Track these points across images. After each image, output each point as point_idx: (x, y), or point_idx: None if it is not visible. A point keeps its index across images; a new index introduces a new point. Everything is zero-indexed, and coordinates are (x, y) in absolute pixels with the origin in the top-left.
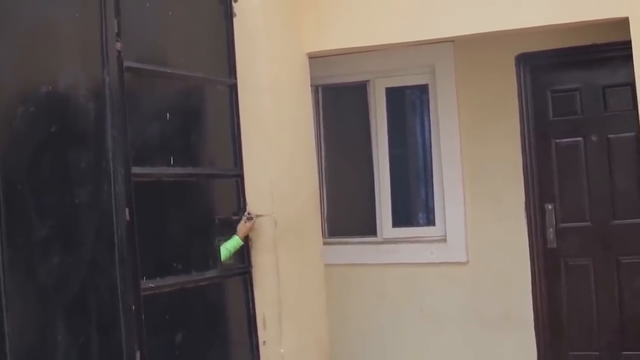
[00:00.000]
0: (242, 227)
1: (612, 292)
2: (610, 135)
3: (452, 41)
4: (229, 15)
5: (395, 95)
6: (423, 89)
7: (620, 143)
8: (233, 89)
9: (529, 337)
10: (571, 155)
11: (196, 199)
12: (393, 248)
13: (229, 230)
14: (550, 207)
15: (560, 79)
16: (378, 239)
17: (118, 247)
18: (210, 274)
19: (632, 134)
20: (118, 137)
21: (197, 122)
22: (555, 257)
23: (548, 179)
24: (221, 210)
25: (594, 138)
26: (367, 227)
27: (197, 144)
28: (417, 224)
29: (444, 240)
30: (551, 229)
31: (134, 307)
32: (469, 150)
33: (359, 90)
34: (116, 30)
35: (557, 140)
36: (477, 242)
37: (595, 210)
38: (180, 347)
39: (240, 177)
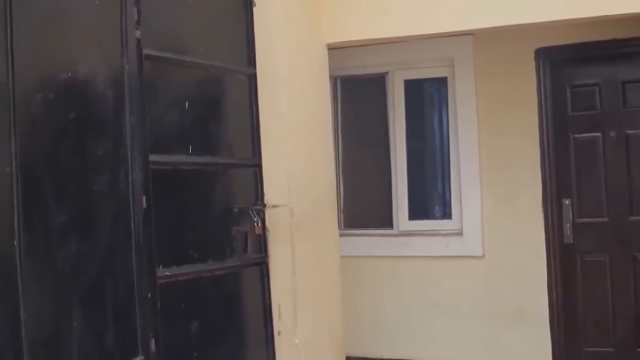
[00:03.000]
0: None
1: (627, 288)
2: (629, 131)
3: (472, 34)
4: (248, 4)
5: (413, 88)
6: (442, 82)
7: (639, 139)
8: (252, 78)
9: (544, 332)
10: (589, 150)
11: (214, 188)
12: (409, 241)
13: (247, 220)
14: (567, 202)
15: (579, 73)
16: (394, 231)
17: (135, 234)
18: (227, 263)
19: None
20: (136, 124)
21: (216, 111)
22: (571, 252)
23: (566, 174)
24: (239, 200)
25: (612, 134)
26: (383, 220)
27: (215, 133)
28: (434, 217)
29: (460, 233)
30: (568, 224)
31: (149, 295)
32: (487, 143)
33: (378, 82)
34: (136, 18)
35: (576, 135)
36: (493, 236)
37: (612, 206)
38: (196, 335)
39: (258, 167)
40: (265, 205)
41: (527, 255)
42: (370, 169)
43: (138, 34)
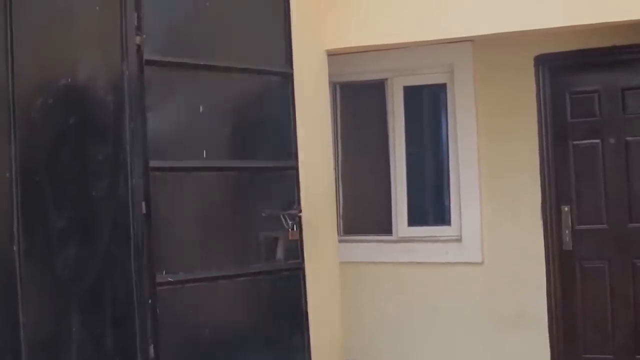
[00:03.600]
0: None
1: (627, 295)
2: (628, 138)
3: (471, 41)
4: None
5: (413, 94)
6: (441, 88)
7: (639, 146)
8: (289, 78)
9: (543, 338)
10: (589, 157)
11: (240, 192)
12: (408, 247)
13: (278, 224)
14: (566, 208)
15: (579, 80)
16: (393, 237)
17: (134, 240)
18: (252, 269)
19: None
20: (136, 130)
21: (244, 113)
22: (570, 259)
23: (565, 180)
24: (270, 204)
25: (612, 140)
26: (382, 226)
27: (243, 136)
28: (433, 224)
29: (459, 240)
30: (567, 231)
31: (149, 301)
32: (486, 150)
33: (377, 88)
34: (136, 24)
35: (575, 142)
36: (493, 242)
37: (611, 213)
38: (211, 342)
39: (295, 169)
40: (300, 210)
41: (527, 261)
42: (370, 175)
43: (138, 39)
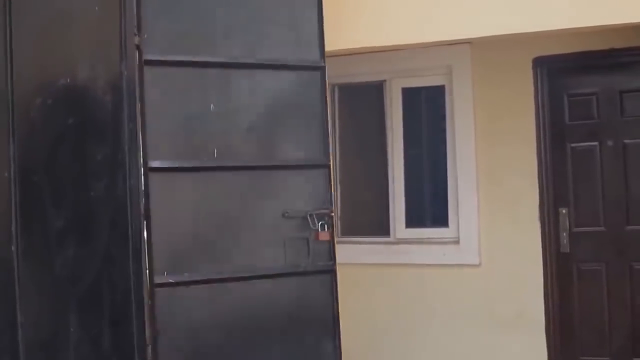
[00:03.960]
0: None
1: (624, 297)
2: (626, 141)
3: (470, 43)
4: None
5: (411, 96)
6: (439, 90)
7: (637, 148)
8: (321, 71)
9: (540, 340)
10: (586, 159)
11: (258, 192)
12: (406, 249)
13: (303, 225)
14: (564, 211)
15: (577, 83)
16: (391, 239)
17: (132, 240)
18: (275, 270)
19: None
20: (134, 130)
21: (262, 110)
22: (568, 261)
23: (563, 183)
24: (297, 203)
25: (610, 143)
26: (380, 227)
27: (259, 133)
28: (430, 225)
29: (456, 242)
30: (564, 233)
31: (149, 302)
32: (484, 152)
33: (376, 90)
34: (135, 24)
35: (573, 145)
36: (490, 244)
37: (609, 216)
38: (222, 347)
39: (327, 167)
40: (332, 210)
41: (524, 264)
42: (367, 176)
43: (137, 40)
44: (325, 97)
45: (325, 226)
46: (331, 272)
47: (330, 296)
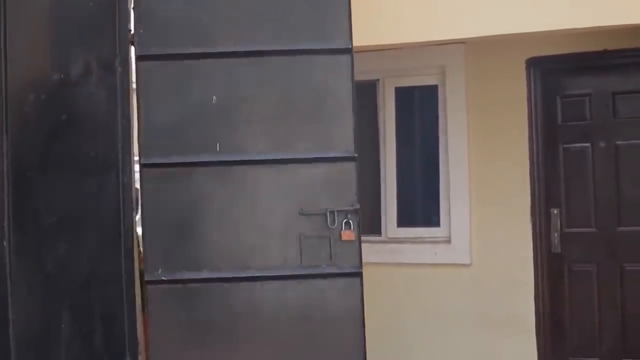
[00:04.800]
0: None
1: (615, 298)
2: (618, 142)
3: (463, 43)
4: None
5: (404, 95)
6: (432, 90)
7: (629, 150)
8: (347, 54)
9: (531, 340)
10: (579, 160)
11: (270, 188)
12: (397, 248)
13: (322, 224)
14: (555, 211)
15: (570, 84)
16: (383, 238)
17: (124, 237)
18: (287, 271)
19: None
20: (128, 127)
21: (280, 99)
22: (559, 262)
23: (555, 183)
24: (312, 201)
25: (602, 144)
26: (372, 226)
27: (282, 124)
28: (422, 225)
29: (448, 241)
30: (556, 234)
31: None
32: (476, 152)
33: (369, 89)
34: (130, 21)
35: (565, 145)
36: (482, 244)
37: (600, 217)
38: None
39: (354, 160)
40: (358, 207)
41: (515, 264)
42: (359, 175)
43: (131, 36)
44: (353, 84)
45: (351, 224)
46: (358, 275)
47: (358, 301)
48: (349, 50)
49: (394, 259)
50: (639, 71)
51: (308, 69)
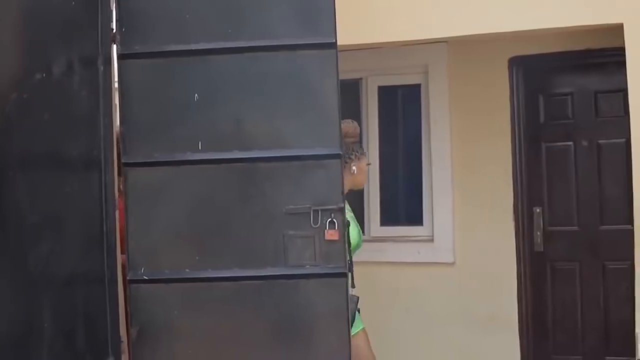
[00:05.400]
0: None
1: (597, 297)
2: (600, 141)
3: (446, 42)
4: None
5: (387, 94)
6: (416, 89)
7: (611, 149)
8: (330, 48)
9: (514, 339)
10: (561, 159)
11: (251, 186)
12: (380, 247)
13: (302, 223)
14: (538, 210)
15: (552, 83)
16: (366, 237)
17: (107, 236)
18: (265, 272)
19: (623, 140)
20: (110, 126)
21: (259, 96)
22: (541, 260)
23: (537, 182)
24: (294, 200)
25: (584, 143)
26: None
27: (250, 122)
28: (405, 223)
29: (431, 240)
30: (539, 233)
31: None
32: (460, 151)
33: (352, 88)
34: (113, 19)
35: (548, 144)
36: (465, 243)
37: (583, 215)
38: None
39: (338, 157)
40: (342, 206)
41: (498, 262)
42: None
43: (113, 34)
44: (337, 76)
45: (335, 224)
46: (342, 275)
47: (342, 301)
48: (333, 45)
49: (377, 258)
50: (621, 70)
51: (292, 64)
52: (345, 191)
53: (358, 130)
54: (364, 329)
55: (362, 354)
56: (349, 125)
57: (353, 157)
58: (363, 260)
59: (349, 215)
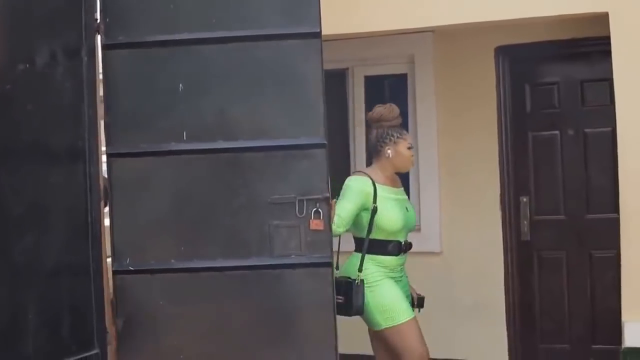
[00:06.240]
0: None
1: (584, 285)
2: (587, 130)
3: (432, 31)
4: None
5: (374, 84)
6: (402, 79)
7: (597, 138)
8: (314, 37)
9: (501, 328)
10: (547, 148)
11: (236, 176)
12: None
13: (287, 213)
14: (525, 199)
15: (539, 72)
16: None
17: (92, 227)
18: (250, 262)
19: (609, 129)
20: (94, 117)
21: (247, 87)
22: (528, 249)
23: (524, 171)
24: (279, 190)
25: (570, 132)
26: None
27: (236, 113)
28: None
29: (418, 229)
30: (525, 222)
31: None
32: (446, 140)
33: (338, 78)
34: (97, 9)
35: (534, 133)
36: (452, 232)
37: (569, 204)
38: (189, 337)
39: (323, 147)
40: (327, 195)
41: (485, 251)
42: (330, 164)
43: (97, 25)
44: (321, 65)
45: (320, 213)
46: (328, 265)
47: (328, 291)
48: (317, 34)
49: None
50: (606, 59)
51: (277, 54)
52: (387, 174)
53: (395, 114)
54: (414, 318)
55: (408, 345)
56: (382, 109)
57: (387, 141)
58: (349, 250)
59: (392, 197)
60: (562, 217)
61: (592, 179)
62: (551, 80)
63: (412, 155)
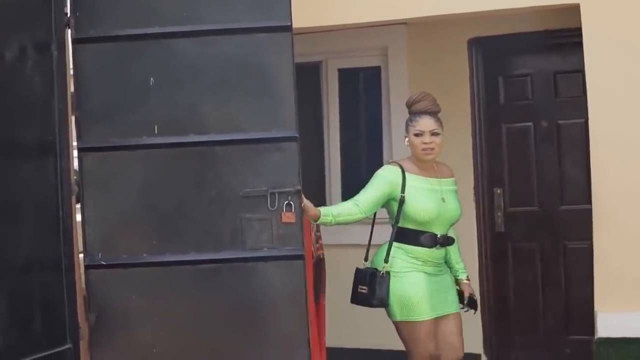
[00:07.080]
0: None
1: (558, 276)
2: (560, 121)
3: (405, 24)
4: None
5: (347, 77)
6: (376, 71)
7: (570, 129)
8: (285, 30)
9: (475, 319)
10: (521, 140)
11: (207, 170)
12: (341, 229)
13: (259, 206)
14: (499, 191)
15: (512, 64)
16: None
17: (63, 222)
18: (222, 255)
19: (582, 120)
20: (64, 111)
21: (216, 80)
22: (502, 241)
23: (497, 163)
24: (251, 183)
25: (544, 124)
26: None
27: (207, 106)
28: None
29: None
30: (499, 213)
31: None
32: None
33: (312, 71)
34: (67, 4)
35: (508, 125)
36: None
37: (543, 195)
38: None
39: (295, 140)
40: (299, 188)
41: (459, 243)
42: (303, 158)
43: (67, 19)
44: (292, 59)
45: (292, 206)
46: (300, 257)
47: (300, 284)
48: (288, 28)
49: (338, 240)
50: (579, 51)
51: (248, 48)
52: (421, 164)
53: (415, 99)
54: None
55: (414, 345)
56: (410, 96)
57: (405, 129)
58: (327, 243)
59: (425, 187)
60: (535, 208)
61: (566, 171)
62: (524, 72)
63: (424, 143)
